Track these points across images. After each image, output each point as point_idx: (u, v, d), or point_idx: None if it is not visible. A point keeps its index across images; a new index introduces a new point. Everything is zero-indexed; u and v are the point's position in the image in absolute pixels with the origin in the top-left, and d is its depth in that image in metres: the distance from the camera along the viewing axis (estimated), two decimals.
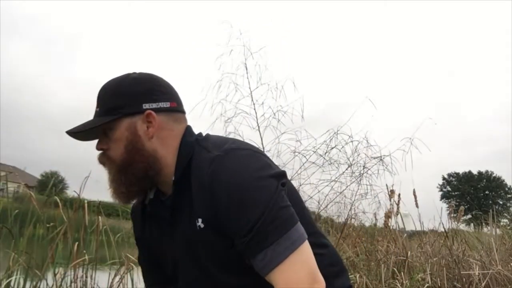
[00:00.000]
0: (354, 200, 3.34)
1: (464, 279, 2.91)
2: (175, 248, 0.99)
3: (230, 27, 3.16)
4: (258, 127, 3.16)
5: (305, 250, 0.87)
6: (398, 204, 3.60)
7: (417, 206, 3.67)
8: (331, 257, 1.03)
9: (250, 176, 0.88)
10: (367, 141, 3.27)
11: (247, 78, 3.17)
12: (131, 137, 0.95)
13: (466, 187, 39.36)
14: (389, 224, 3.66)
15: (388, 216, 3.58)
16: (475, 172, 41.00)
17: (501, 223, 4.95)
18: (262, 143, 3.15)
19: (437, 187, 39.59)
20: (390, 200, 3.54)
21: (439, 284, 2.90)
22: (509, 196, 40.24)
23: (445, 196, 37.16)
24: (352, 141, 3.27)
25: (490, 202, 34.85)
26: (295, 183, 3.19)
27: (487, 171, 41.03)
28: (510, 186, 39.73)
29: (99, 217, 2.83)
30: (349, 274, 2.74)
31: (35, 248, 2.74)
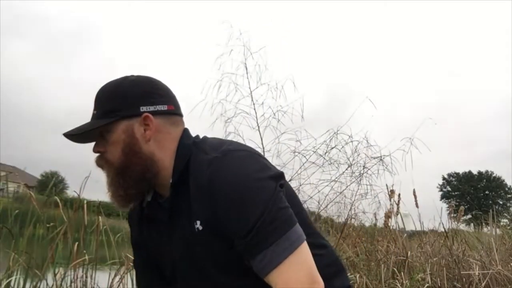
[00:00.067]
0: (354, 200, 3.34)
1: (464, 279, 2.92)
2: (173, 250, 0.99)
3: (230, 27, 3.16)
4: (258, 127, 3.16)
5: (304, 251, 0.87)
6: (398, 204, 3.61)
7: (417, 206, 3.67)
8: (330, 258, 1.03)
9: (249, 177, 0.88)
10: (367, 141, 3.27)
11: (247, 78, 3.16)
12: (128, 139, 0.95)
13: (466, 187, 39.37)
14: (389, 224, 3.67)
15: (388, 216, 3.58)
16: (475, 172, 41.05)
17: (501, 223, 4.96)
18: (262, 143, 3.16)
19: (437, 187, 39.63)
20: (390, 200, 3.55)
21: (439, 284, 2.90)
22: (509, 196, 40.24)
23: (445, 196, 37.16)
24: (352, 141, 3.27)
25: (490, 202, 34.83)
26: (295, 183, 3.19)
27: (487, 171, 41.06)
28: (510, 186, 39.76)
29: (99, 217, 2.83)
30: (349, 274, 2.76)
31: (35, 248, 2.75)
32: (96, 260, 2.70)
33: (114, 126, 0.95)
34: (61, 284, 2.54)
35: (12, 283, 2.44)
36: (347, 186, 3.31)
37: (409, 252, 3.20)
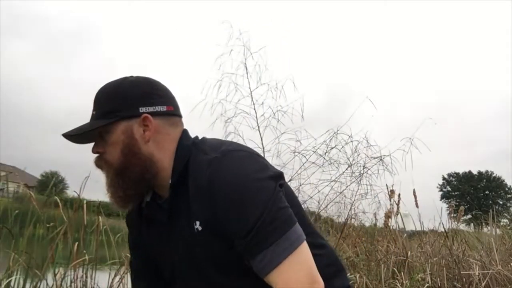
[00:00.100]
0: (354, 200, 3.34)
1: (464, 279, 2.92)
2: (172, 251, 0.99)
3: (230, 27, 3.16)
4: (258, 127, 3.16)
5: (304, 251, 0.87)
6: (398, 204, 3.61)
7: (417, 206, 3.68)
8: (330, 257, 1.03)
9: (249, 177, 0.88)
10: (367, 141, 3.27)
11: (247, 78, 3.16)
12: (128, 140, 0.95)
13: (466, 187, 39.36)
14: (389, 224, 3.67)
15: (388, 216, 3.59)
16: (475, 172, 41.04)
17: (501, 223, 4.96)
18: (262, 143, 3.16)
19: (437, 187, 39.64)
20: (390, 200, 3.55)
21: (439, 284, 2.91)
22: (509, 196, 40.23)
23: (445, 196, 37.16)
24: (352, 141, 3.27)
25: (490, 202, 34.83)
26: (295, 183, 3.19)
27: (487, 171, 41.06)
28: (510, 186, 39.76)
29: (99, 217, 2.83)
30: (349, 274, 2.76)
31: (35, 248, 2.75)
32: (96, 260, 2.70)
33: (113, 126, 0.95)
34: (61, 284, 2.54)
35: (12, 283, 2.44)
36: (347, 186, 3.32)
37: (409, 252, 3.20)
